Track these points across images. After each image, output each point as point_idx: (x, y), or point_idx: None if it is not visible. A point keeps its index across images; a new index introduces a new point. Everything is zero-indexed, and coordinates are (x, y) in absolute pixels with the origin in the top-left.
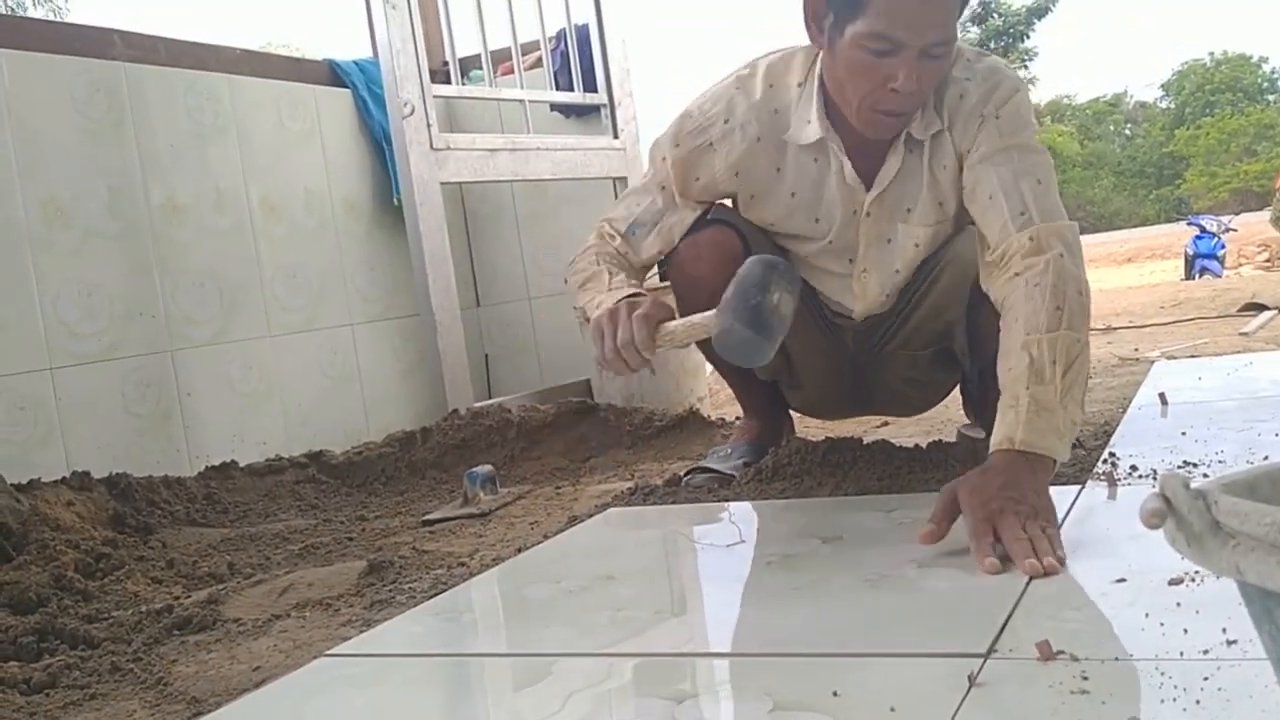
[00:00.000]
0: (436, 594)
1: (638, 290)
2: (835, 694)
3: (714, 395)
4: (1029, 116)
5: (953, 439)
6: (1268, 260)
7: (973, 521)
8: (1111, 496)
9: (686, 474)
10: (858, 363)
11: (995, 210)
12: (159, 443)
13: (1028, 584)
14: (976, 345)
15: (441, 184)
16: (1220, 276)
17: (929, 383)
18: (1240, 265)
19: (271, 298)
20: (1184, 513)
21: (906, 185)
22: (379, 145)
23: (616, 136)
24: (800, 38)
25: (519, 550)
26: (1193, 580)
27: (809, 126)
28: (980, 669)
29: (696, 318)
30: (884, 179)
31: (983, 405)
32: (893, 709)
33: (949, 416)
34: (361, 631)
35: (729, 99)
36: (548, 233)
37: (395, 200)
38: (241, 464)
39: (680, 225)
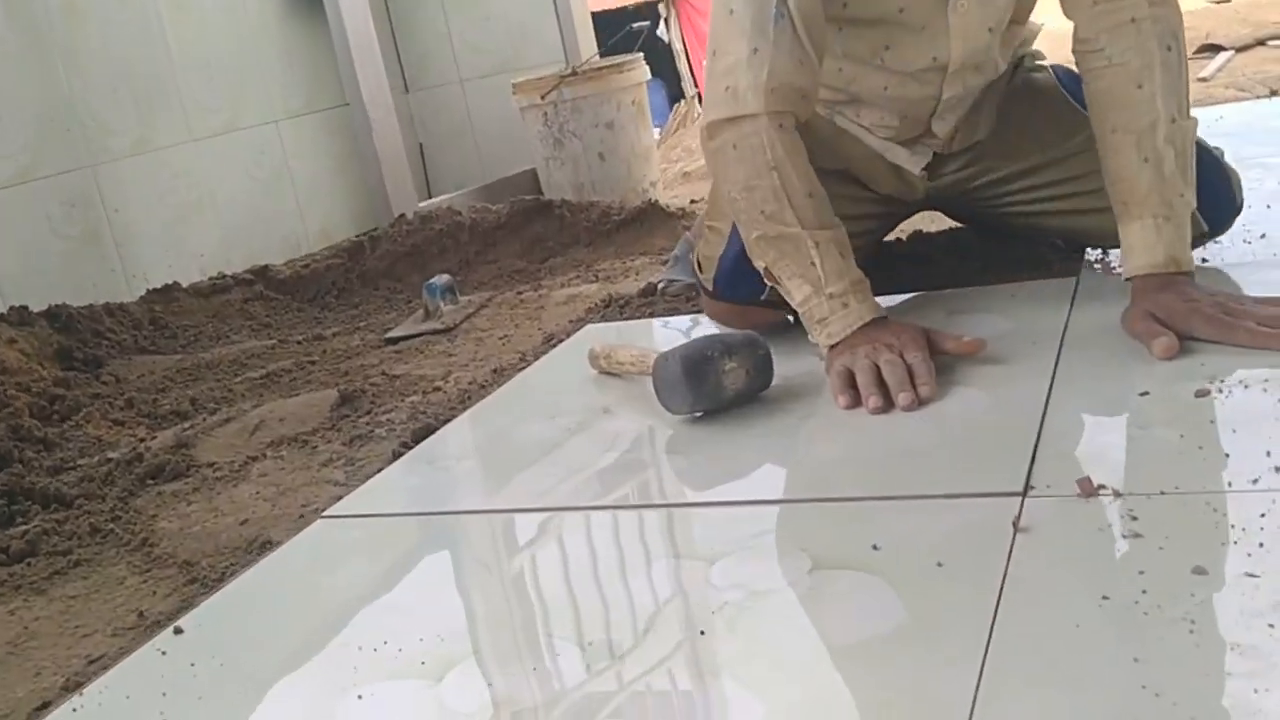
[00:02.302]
0: (417, 426)
1: (873, 314)
2: (875, 548)
3: (664, 174)
4: None
5: (931, 229)
6: None
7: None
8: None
9: (662, 282)
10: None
11: None
12: (92, 264)
13: (1047, 403)
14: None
15: None
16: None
17: None
18: None
19: (189, 99)
20: None
21: None
22: None
23: None
24: None
25: (494, 371)
26: (1219, 391)
27: None
28: (1020, 511)
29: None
30: None
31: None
32: (940, 564)
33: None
34: (345, 472)
35: None
36: (475, 6)
37: None
38: (184, 284)
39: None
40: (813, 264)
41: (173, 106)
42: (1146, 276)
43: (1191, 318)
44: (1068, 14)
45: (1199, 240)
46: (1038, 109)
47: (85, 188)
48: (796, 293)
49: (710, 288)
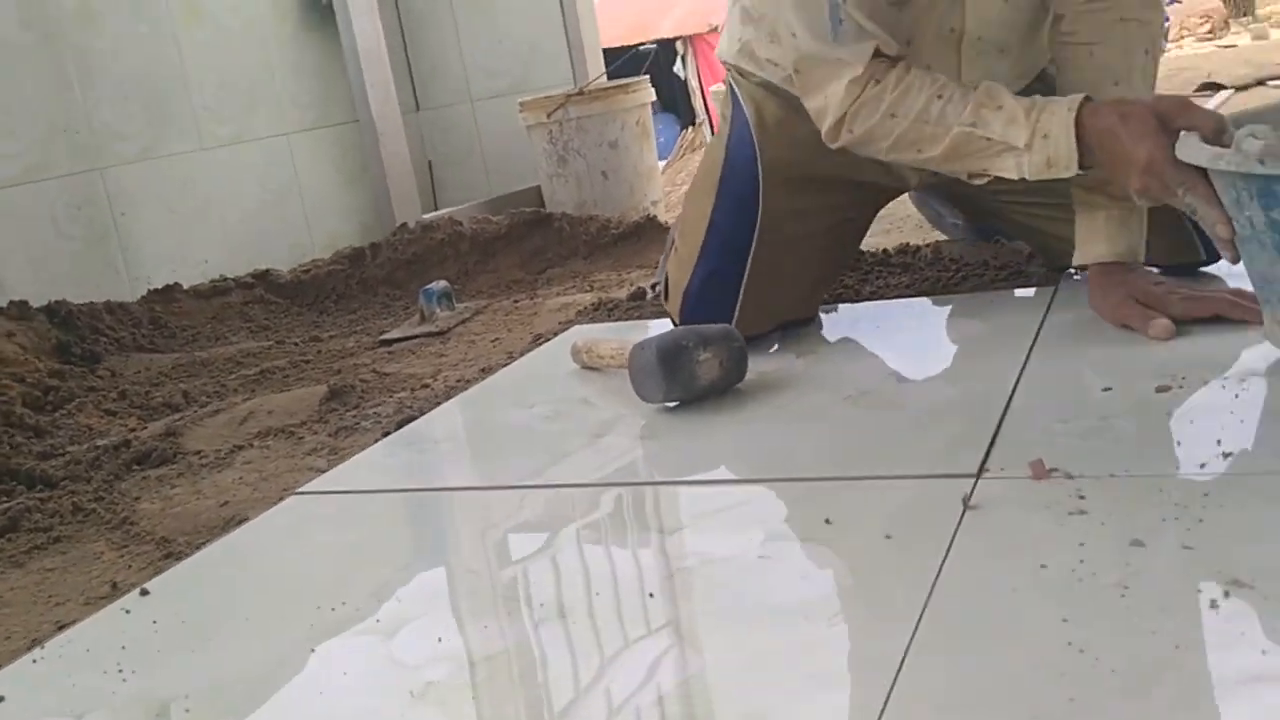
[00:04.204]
0: (402, 418)
1: (1072, 111)
2: (828, 521)
3: (667, 198)
4: None
5: (917, 241)
6: (1209, 31)
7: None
8: None
9: (652, 285)
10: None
11: None
12: (97, 266)
13: (1011, 396)
14: None
15: None
16: (1163, 51)
17: None
18: (1183, 38)
19: (201, 108)
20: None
21: None
22: None
23: None
24: None
25: (483, 370)
26: (1179, 387)
27: None
28: (973, 490)
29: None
30: None
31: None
32: (888, 536)
33: (907, 213)
34: (329, 460)
35: None
36: (488, 29)
37: None
38: (185, 286)
39: None
40: (988, 140)
41: (184, 114)
42: (1110, 264)
43: (1169, 300)
44: (1056, 6)
45: (1196, 266)
46: None
47: (92, 190)
48: (1013, 174)
49: (676, 320)
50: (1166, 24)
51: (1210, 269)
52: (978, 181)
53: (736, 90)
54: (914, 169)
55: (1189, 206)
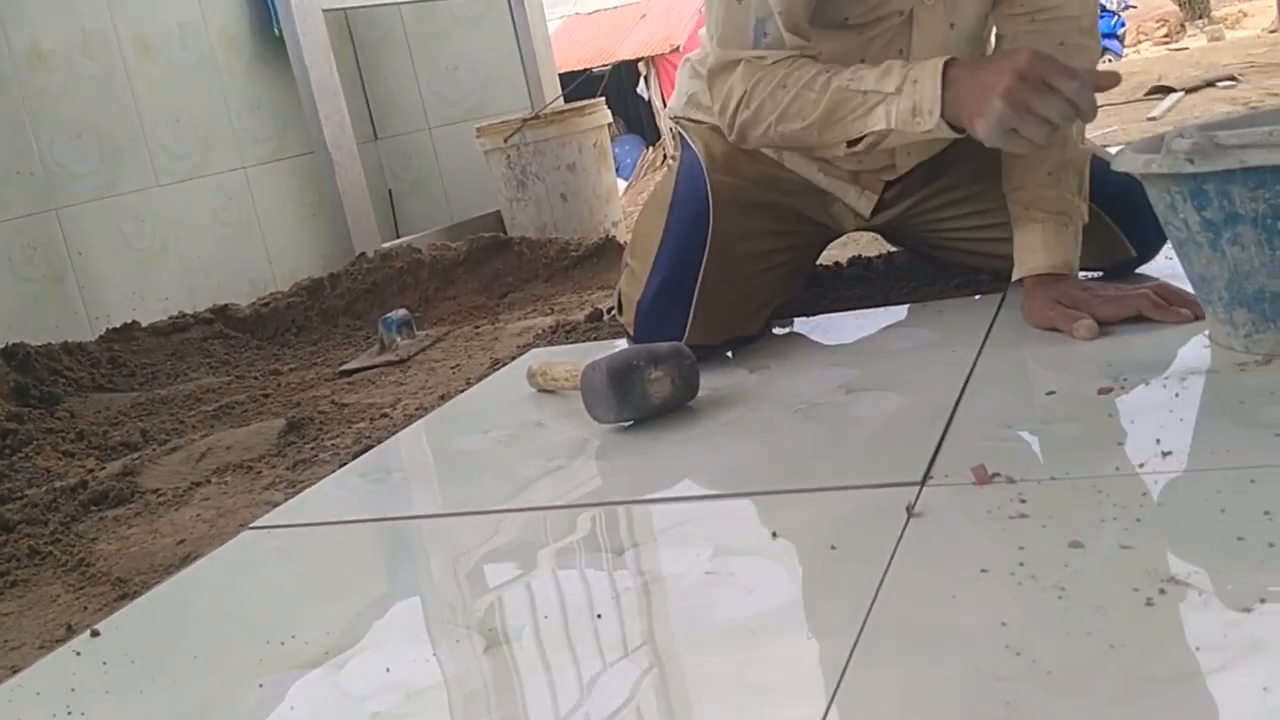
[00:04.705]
0: (360, 449)
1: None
2: (774, 535)
3: (628, 218)
4: None
5: (870, 253)
6: (1166, 35)
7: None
8: None
9: (609, 309)
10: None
11: None
12: (55, 306)
13: (957, 405)
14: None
15: (324, 10)
16: (1121, 56)
17: None
18: (1140, 42)
19: (156, 145)
20: (1200, 142)
21: None
22: None
23: None
24: None
25: (442, 398)
26: (1121, 388)
27: None
28: (917, 498)
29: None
30: None
31: None
32: (833, 547)
33: None
34: (286, 494)
35: None
36: (442, 56)
37: (276, 31)
38: (144, 324)
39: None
40: (863, 94)
41: (138, 152)
42: (1043, 275)
43: (1094, 302)
44: (999, 27)
45: (1127, 266)
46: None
47: (48, 231)
48: (882, 123)
49: (630, 331)
50: (1123, 29)
51: (1144, 269)
52: (855, 150)
53: (686, 135)
54: (850, 211)
55: (1061, 110)
